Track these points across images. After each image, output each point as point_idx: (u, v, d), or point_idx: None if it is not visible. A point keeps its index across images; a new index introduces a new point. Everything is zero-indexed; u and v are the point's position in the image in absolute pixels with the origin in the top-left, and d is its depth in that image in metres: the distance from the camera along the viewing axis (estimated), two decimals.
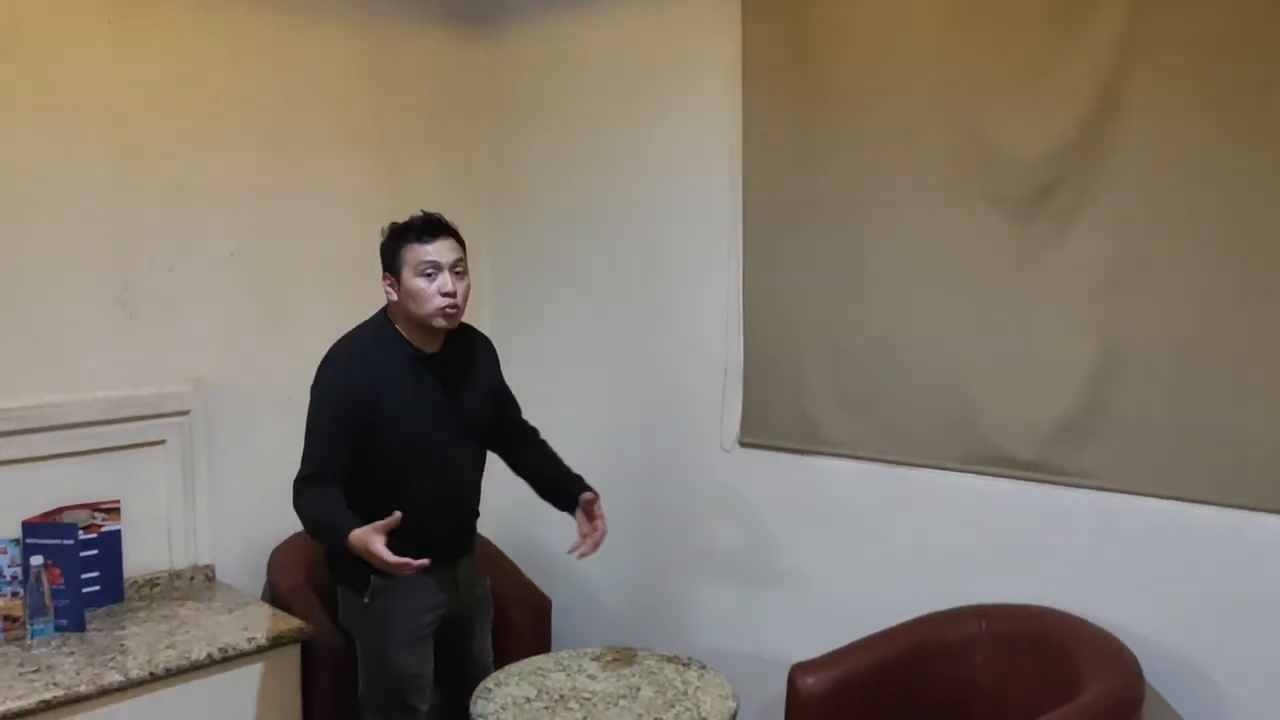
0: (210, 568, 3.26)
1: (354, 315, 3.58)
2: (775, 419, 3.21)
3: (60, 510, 2.94)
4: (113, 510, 3.03)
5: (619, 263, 3.58)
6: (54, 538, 2.83)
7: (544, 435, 2.98)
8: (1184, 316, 2.48)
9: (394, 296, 2.62)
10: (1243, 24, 2.34)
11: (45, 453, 2.94)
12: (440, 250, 2.57)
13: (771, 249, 3.17)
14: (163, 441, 3.15)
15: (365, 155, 3.62)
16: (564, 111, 3.70)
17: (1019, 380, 2.73)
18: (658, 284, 3.48)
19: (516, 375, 3.83)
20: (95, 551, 2.97)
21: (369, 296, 3.63)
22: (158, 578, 3.16)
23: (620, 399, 3.62)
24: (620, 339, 3.59)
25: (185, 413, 3.19)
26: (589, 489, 2.80)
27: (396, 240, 2.60)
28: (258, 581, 3.35)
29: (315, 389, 2.62)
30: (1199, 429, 2.47)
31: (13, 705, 2.43)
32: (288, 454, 3.44)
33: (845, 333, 3.03)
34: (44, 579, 2.76)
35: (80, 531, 2.90)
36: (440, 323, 2.59)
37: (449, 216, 2.67)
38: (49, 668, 2.62)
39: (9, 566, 2.84)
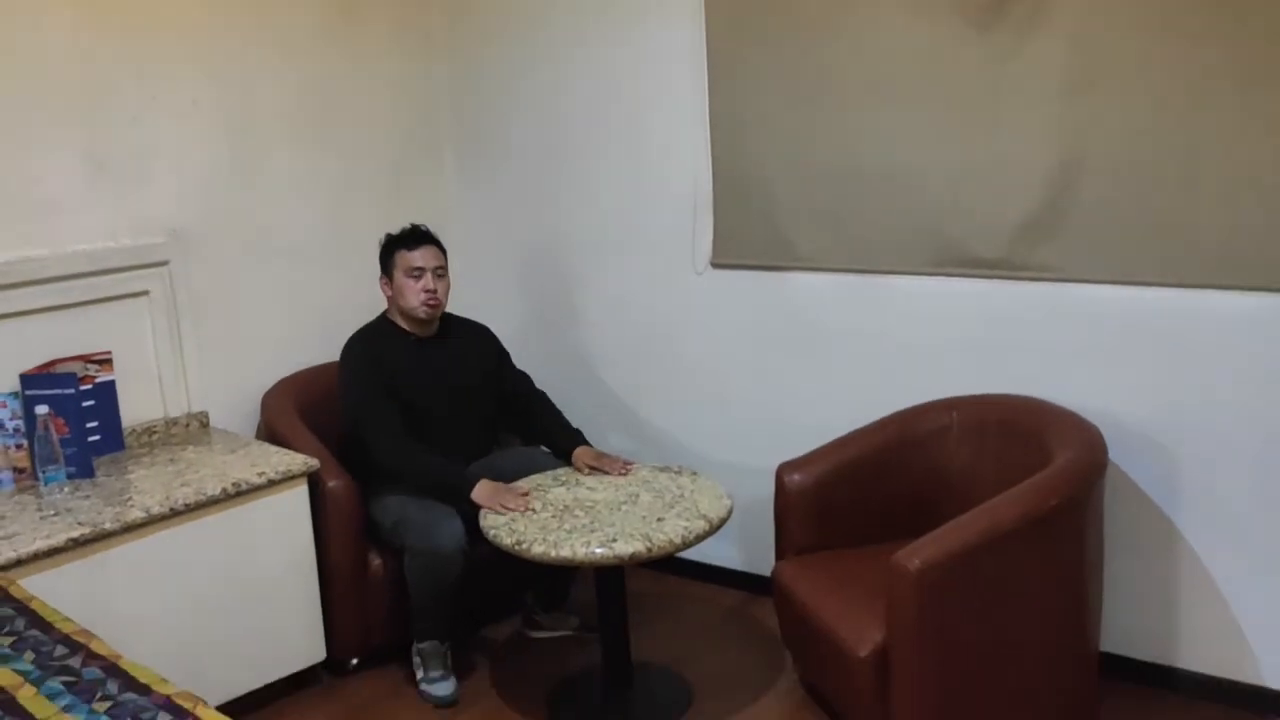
0: (204, 414, 3.32)
1: (321, 164, 3.62)
2: (746, 238, 3.33)
3: (54, 363, 2.97)
4: (105, 361, 3.06)
5: (586, 97, 3.61)
6: (54, 388, 2.87)
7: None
8: (1139, 114, 2.63)
9: (388, 293, 3.15)
10: None
11: (31, 307, 2.95)
12: (424, 256, 3.10)
13: (737, 73, 3.23)
14: (146, 293, 3.17)
15: None
16: None
17: (983, 184, 2.88)
18: (625, 116, 3.53)
19: (484, 218, 3.91)
20: (92, 402, 3.01)
21: (333, 147, 3.66)
22: (154, 426, 3.22)
23: (590, 229, 3.70)
24: (588, 170, 3.65)
25: (165, 263, 3.20)
26: (584, 444, 3.20)
27: (389, 248, 3.14)
28: (250, 426, 3.43)
29: (344, 369, 3.12)
30: (1152, 217, 2.66)
31: (42, 544, 2.51)
32: (267, 302, 3.52)
33: (814, 149, 3.13)
34: (51, 427, 2.80)
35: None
36: (422, 313, 3.12)
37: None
38: (68, 510, 2.69)
39: (10, 420, 2.88)
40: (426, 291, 3.08)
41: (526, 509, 2.83)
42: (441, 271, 3.14)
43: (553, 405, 3.34)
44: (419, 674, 3.06)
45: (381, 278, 3.17)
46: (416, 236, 3.13)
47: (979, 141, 2.86)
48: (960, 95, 2.86)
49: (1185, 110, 2.57)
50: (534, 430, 3.32)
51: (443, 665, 3.05)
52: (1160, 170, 2.63)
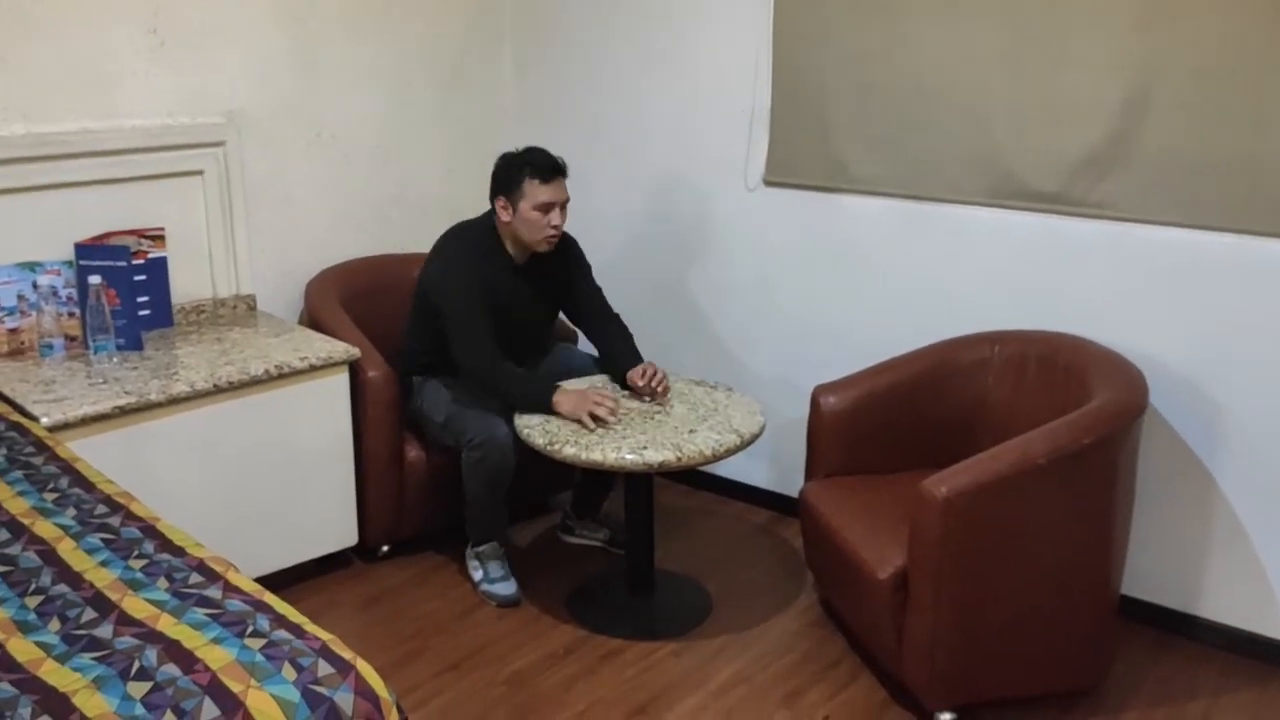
0: (251, 297, 3.37)
1: (380, 56, 3.59)
2: (801, 157, 3.28)
3: (108, 235, 3.02)
4: (158, 238, 3.10)
5: (648, 4, 3.56)
6: (108, 259, 2.92)
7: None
8: (1211, 50, 2.55)
9: (506, 219, 2.98)
10: None
11: (87, 178, 2.99)
12: (557, 191, 2.95)
13: None
14: (200, 172, 3.20)
15: None
16: None
17: (1046, 116, 2.81)
18: (689, 23, 3.47)
19: (540, 118, 3.87)
20: (144, 277, 3.06)
21: (393, 39, 3.63)
22: (203, 305, 3.27)
23: (646, 135, 3.66)
24: (649, 76, 3.60)
25: (220, 144, 3.22)
26: (640, 363, 3.06)
27: (516, 172, 2.94)
28: (294, 312, 3.48)
29: (448, 285, 2.98)
30: (1217, 158, 2.59)
31: (89, 410, 2.58)
32: (319, 190, 3.53)
33: (874, 70, 3.07)
34: (103, 297, 2.86)
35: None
36: (544, 248, 3.01)
37: None
38: (116, 379, 2.75)
39: (64, 287, 2.94)
40: (553, 228, 2.95)
41: (614, 417, 2.80)
42: (566, 205, 3.00)
43: (625, 331, 3.18)
44: (477, 576, 3.11)
45: (499, 198, 2.97)
46: (553, 168, 2.94)
47: (1044, 72, 2.78)
48: (1028, 22, 2.78)
49: (1259, 50, 2.49)
50: (600, 354, 3.19)
51: (502, 565, 3.10)
52: (1230, 109, 2.55)
